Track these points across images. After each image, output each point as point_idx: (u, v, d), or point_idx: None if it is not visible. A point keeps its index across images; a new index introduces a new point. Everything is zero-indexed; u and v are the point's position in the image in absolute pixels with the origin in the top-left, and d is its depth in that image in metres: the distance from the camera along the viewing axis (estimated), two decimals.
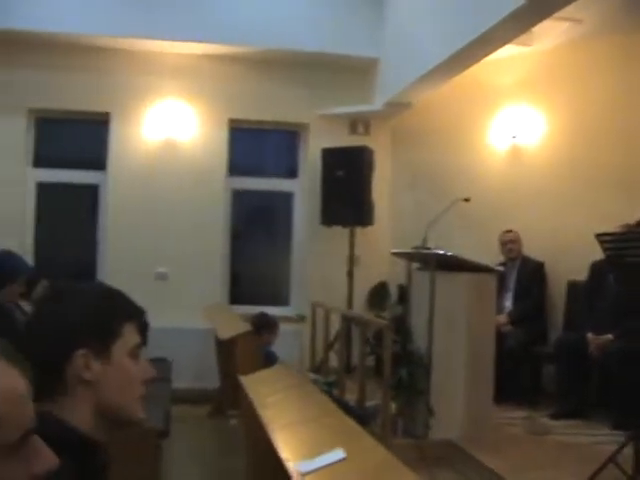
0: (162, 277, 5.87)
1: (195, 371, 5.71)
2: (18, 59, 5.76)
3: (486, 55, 4.47)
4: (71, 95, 5.87)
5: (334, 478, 1.68)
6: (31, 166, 6.03)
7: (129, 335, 1.11)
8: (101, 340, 1.08)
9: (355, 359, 5.40)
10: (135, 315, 1.14)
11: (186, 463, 4.50)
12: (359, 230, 5.98)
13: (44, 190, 6.04)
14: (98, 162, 6.03)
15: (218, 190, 6.08)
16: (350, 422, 2.11)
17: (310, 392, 2.79)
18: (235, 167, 6.27)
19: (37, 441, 0.69)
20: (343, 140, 6.08)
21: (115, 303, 1.13)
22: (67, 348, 1.06)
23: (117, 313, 1.12)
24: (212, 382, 5.47)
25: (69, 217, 6.26)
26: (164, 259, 5.88)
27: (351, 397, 4.52)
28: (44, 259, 5.74)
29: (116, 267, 5.79)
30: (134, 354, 1.13)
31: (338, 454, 1.67)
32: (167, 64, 5.99)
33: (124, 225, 5.88)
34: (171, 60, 5.98)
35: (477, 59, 4.55)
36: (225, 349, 5.02)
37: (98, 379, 1.08)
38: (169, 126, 5.97)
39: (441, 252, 4.15)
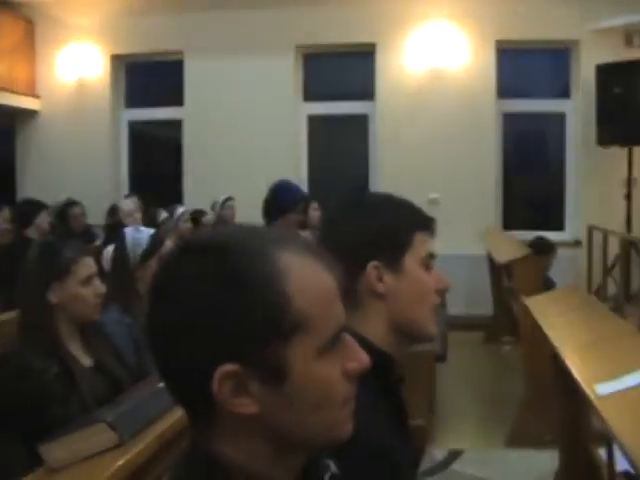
0: (434, 203, 7.67)
1: (468, 297, 7.53)
2: None
3: None
4: (336, 29, 8.02)
5: (637, 402, 1.93)
6: (301, 100, 8.55)
7: (420, 245, 1.38)
8: (393, 251, 1.36)
9: (635, 285, 6.91)
10: (425, 224, 1.41)
11: (460, 387, 5.91)
12: (638, 150, 7.36)
13: (315, 122, 8.58)
14: (366, 92, 8.22)
15: (488, 114, 7.86)
16: None
17: (603, 313, 3.24)
18: (504, 90, 7.95)
19: (349, 339, 0.90)
20: (619, 55, 7.36)
21: (405, 213, 1.41)
22: (361, 260, 1.35)
23: (407, 223, 1.39)
24: (485, 309, 7.33)
25: (340, 148, 8.63)
26: (436, 185, 7.79)
27: None
28: (317, 190, 7.85)
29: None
30: (426, 265, 1.39)
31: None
32: None
33: (395, 153, 7.97)
34: None
35: None
36: (501, 274, 6.70)
37: (391, 292, 1.36)
38: (435, 52, 7.82)
39: None
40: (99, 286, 2.53)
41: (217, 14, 8.33)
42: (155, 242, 3.08)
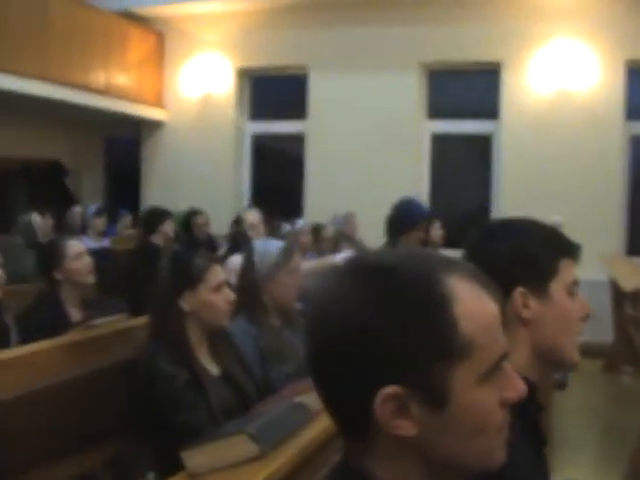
0: (556, 226, 8.82)
1: (588, 324, 8.58)
2: (411, 15, 8.97)
3: None
4: (461, 46, 8.87)
5: None
6: (425, 118, 9.52)
7: (565, 272, 1.53)
8: (539, 277, 1.52)
9: None
10: (571, 251, 1.57)
11: (577, 415, 6.13)
12: None
13: (437, 140, 9.45)
14: (490, 112, 9.04)
15: (615, 136, 8.52)
16: None
17: None
18: (633, 112, 8.53)
19: (508, 367, 0.98)
20: None
21: (550, 239, 1.58)
22: (507, 285, 1.46)
23: (553, 249, 1.55)
24: (605, 336, 7.71)
25: (462, 166, 9.53)
26: (559, 208, 8.35)
27: None
28: (437, 209, 8.62)
29: (509, 214, 8.85)
30: (571, 291, 1.54)
31: None
32: (556, 6, 8.54)
33: (518, 174, 8.72)
34: (559, 2, 8.56)
35: None
36: (625, 302, 6.98)
37: (536, 318, 1.52)
38: (562, 71, 8.55)
39: None
40: (229, 293, 2.85)
41: (343, 30, 9.38)
42: (285, 255, 3.32)
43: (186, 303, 2.77)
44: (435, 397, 0.94)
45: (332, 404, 1.01)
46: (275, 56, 9.73)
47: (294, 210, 9.03)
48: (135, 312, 3.86)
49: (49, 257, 3.84)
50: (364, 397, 0.94)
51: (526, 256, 1.54)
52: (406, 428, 0.94)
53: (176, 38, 10.23)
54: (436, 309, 0.94)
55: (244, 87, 10.31)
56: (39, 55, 8.05)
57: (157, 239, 6.44)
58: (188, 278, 2.78)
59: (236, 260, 3.80)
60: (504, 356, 0.99)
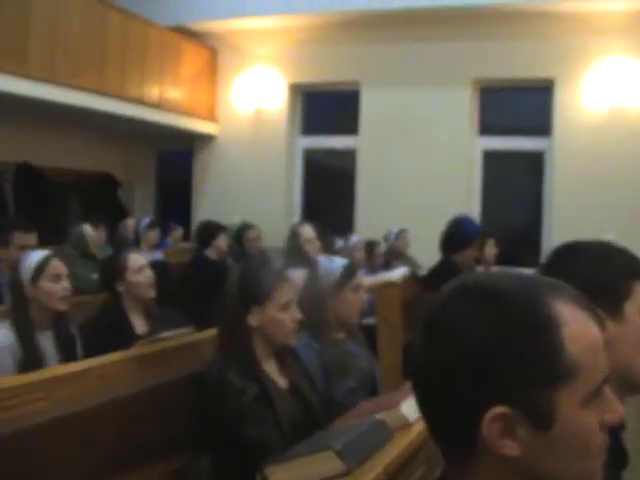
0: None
1: None
2: (464, 31, 8.96)
3: None
4: (514, 63, 8.88)
5: None
6: (477, 134, 9.45)
7: (639, 293, 1.55)
8: (614, 299, 1.53)
9: None
10: None
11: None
12: None
13: (489, 157, 9.38)
14: (543, 128, 9.01)
15: None
16: None
17: None
18: None
19: (608, 390, 1.00)
20: None
21: (624, 261, 1.59)
22: None
23: (627, 271, 1.56)
24: None
25: (513, 183, 9.47)
26: (611, 224, 8.14)
27: None
28: (490, 224, 8.65)
29: (560, 233, 8.30)
30: None
31: None
32: (609, 23, 8.50)
33: (570, 192, 8.68)
34: (613, 19, 8.53)
35: None
36: None
37: (612, 339, 1.42)
38: (616, 88, 8.52)
39: None
40: (296, 312, 2.85)
41: (395, 45, 9.43)
42: (350, 272, 3.35)
43: (254, 319, 2.79)
44: (541, 419, 0.96)
45: (437, 422, 1.04)
46: (327, 71, 9.82)
47: (345, 225, 9.08)
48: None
49: (111, 269, 3.88)
50: (471, 416, 0.96)
51: (601, 278, 1.54)
52: (511, 448, 0.96)
53: (229, 53, 10.38)
54: (544, 331, 0.97)
55: (296, 102, 10.39)
56: (96, 70, 8.23)
57: (211, 253, 6.53)
58: (257, 295, 2.81)
59: (295, 275, 3.79)
60: (606, 379, 1.01)
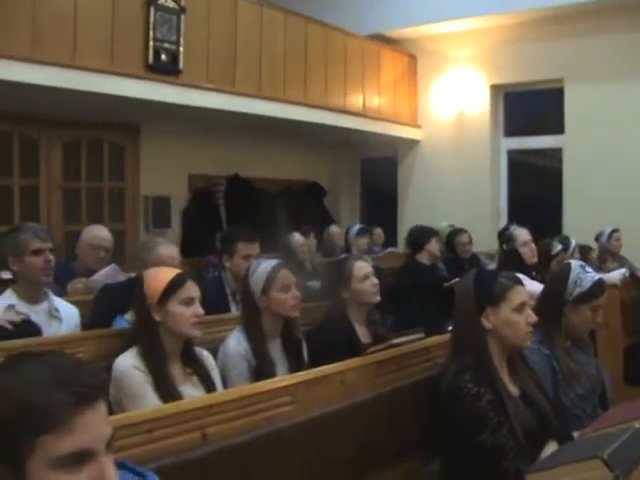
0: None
1: None
2: None
3: None
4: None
5: None
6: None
7: None
8: None
9: None
10: None
11: None
12: None
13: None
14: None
15: None
16: None
17: None
18: None
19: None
20: None
21: None
22: None
23: None
24: None
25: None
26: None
27: None
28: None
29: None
30: None
31: None
32: None
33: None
34: None
35: None
36: None
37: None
38: None
39: None
40: (531, 315, 2.83)
41: (598, 39, 9.11)
42: (597, 291, 3.29)
43: (488, 321, 2.78)
44: None
45: None
46: (529, 70, 9.63)
47: (554, 227, 8.82)
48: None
49: (337, 277, 3.94)
50: None
51: None
52: None
53: (428, 58, 10.43)
54: None
55: (498, 103, 10.25)
56: (301, 82, 8.54)
57: (423, 258, 6.49)
58: (491, 295, 2.79)
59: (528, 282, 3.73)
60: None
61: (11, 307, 3.65)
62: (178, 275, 3.05)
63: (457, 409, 2.67)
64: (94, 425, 1.35)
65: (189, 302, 2.98)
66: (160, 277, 3.04)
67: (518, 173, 10.28)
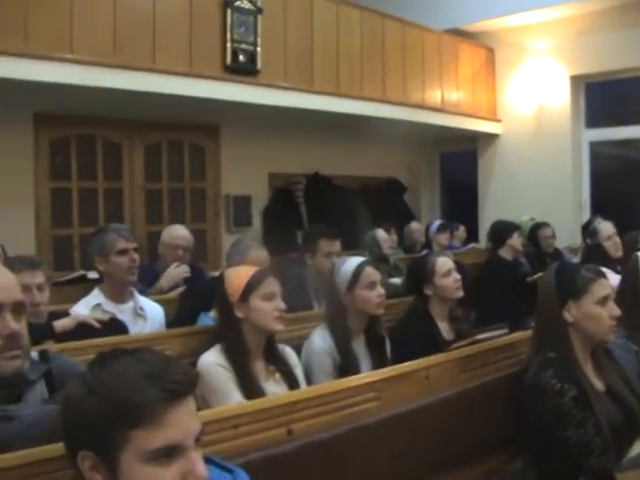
0: None
1: None
2: None
3: None
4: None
5: None
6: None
7: None
8: None
9: None
10: None
11: None
12: None
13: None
14: None
15: None
16: None
17: None
18: None
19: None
20: None
21: None
22: None
23: None
24: None
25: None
26: None
27: None
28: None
29: None
30: None
31: None
32: None
33: None
34: None
35: None
36: None
37: None
38: None
39: None
40: (614, 309, 2.76)
41: None
42: None
43: (570, 314, 2.75)
44: None
45: None
46: (609, 60, 9.40)
47: (638, 219, 8.54)
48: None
49: (420, 273, 3.92)
50: None
51: None
52: None
53: (506, 50, 10.30)
54: None
55: (579, 94, 10.05)
56: (379, 79, 8.53)
57: (505, 252, 6.41)
58: (573, 288, 2.76)
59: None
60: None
61: (98, 306, 3.76)
62: (259, 271, 3.09)
63: (540, 406, 2.67)
64: (184, 420, 1.38)
65: (270, 297, 3.01)
66: (241, 274, 3.08)
67: (601, 165, 10.03)
